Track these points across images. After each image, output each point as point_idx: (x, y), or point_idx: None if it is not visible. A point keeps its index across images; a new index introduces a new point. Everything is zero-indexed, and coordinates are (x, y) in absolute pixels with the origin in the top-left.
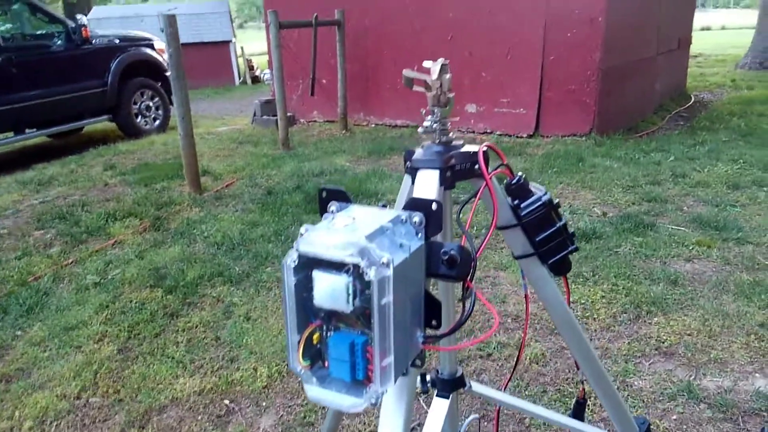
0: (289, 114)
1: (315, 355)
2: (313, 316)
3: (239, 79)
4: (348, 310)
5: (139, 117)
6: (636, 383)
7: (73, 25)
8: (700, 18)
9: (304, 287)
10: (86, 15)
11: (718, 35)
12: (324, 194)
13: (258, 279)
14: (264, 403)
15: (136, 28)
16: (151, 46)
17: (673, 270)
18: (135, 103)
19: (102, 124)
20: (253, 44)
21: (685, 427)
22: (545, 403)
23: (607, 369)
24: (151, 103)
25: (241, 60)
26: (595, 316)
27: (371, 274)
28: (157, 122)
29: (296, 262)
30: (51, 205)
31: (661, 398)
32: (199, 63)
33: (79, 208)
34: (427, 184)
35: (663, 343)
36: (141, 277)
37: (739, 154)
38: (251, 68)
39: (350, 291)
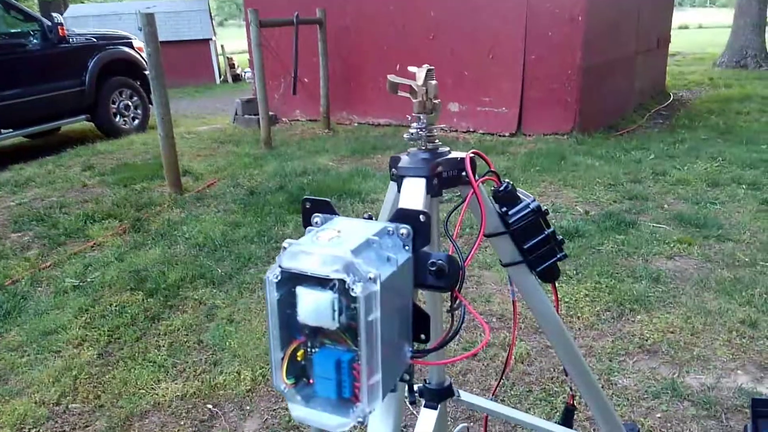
0: (270, 113)
1: (299, 372)
2: (297, 332)
3: (220, 77)
4: (333, 327)
5: (118, 116)
6: (620, 381)
7: (49, 24)
8: (677, 16)
9: (288, 303)
10: (62, 13)
11: (695, 34)
12: (308, 205)
13: (241, 281)
14: (248, 407)
15: (114, 27)
16: (130, 45)
17: (654, 268)
18: (113, 103)
19: (80, 123)
20: (233, 42)
21: (669, 425)
22: (531, 402)
23: (591, 368)
24: (130, 103)
25: (221, 58)
26: (579, 314)
27: (358, 291)
28: (137, 121)
29: (279, 278)
30: (28, 207)
31: (645, 396)
32: (178, 61)
33: (57, 210)
34: (414, 193)
35: (646, 341)
36: (121, 279)
37: (718, 151)
38: (232, 66)
39: (335, 307)
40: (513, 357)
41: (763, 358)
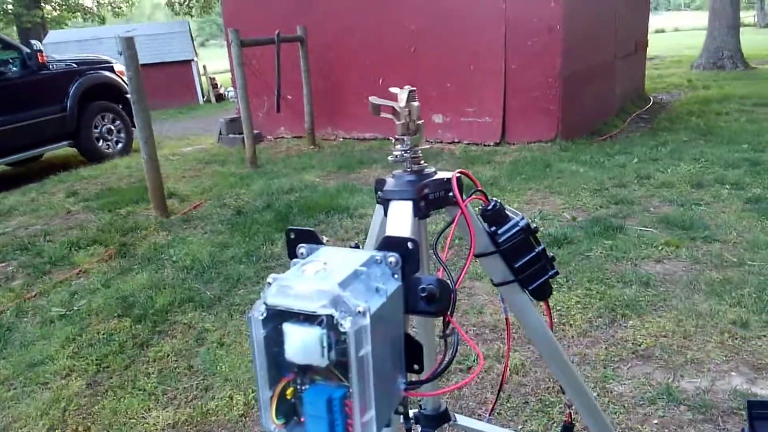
0: (255, 131)
1: (289, 411)
2: (286, 369)
3: (203, 97)
4: (323, 364)
5: (101, 141)
6: (616, 389)
7: (29, 51)
8: (654, 21)
9: (275, 341)
10: (42, 40)
11: (672, 37)
12: (292, 235)
13: (230, 302)
14: None
15: (95, 51)
16: (111, 69)
17: (644, 272)
18: (96, 127)
19: (63, 149)
20: (215, 62)
21: (666, 431)
22: (528, 414)
23: (586, 376)
24: (112, 126)
25: (204, 78)
26: (572, 322)
27: (347, 326)
28: (120, 145)
29: (264, 315)
30: (11, 237)
31: (641, 403)
32: (161, 83)
33: (41, 238)
34: (401, 217)
35: (639, 346)
36: (108, 306)
37: (700, 153)
38: (215, 86)
39: (324, 344)
40: (508, 368)
41: (755, 359)
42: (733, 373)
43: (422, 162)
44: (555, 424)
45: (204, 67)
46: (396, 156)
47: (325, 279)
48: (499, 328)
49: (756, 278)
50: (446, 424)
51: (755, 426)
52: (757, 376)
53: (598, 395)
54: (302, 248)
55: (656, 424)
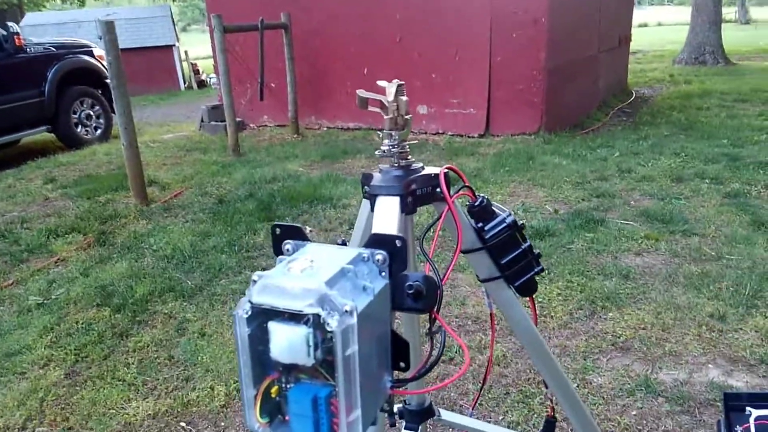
0: (238, 119)
1: (274, 409)
2: (270, 368)
3: (184, 83)
4: (309, 363)
5: (80, 126)
6: (595, 380)
7: (5, 34)
8: (637, 15)
9: (259, 339)
10: (19, 22)
11: (655, 31)
12: (278, 231)
13: (212, 292)
14: (223, 424)
15: (74, 35)
16: (90, 53)
17: (624, 264)
18: (75, 113)
19: (40, 135)
20: (197, 48)
21: (644, 422)
22: (508, 405)
23: (566, 367)
24: (91, 112)
25: (185, 64)
26: (553, 314)
27: (333, 325)
28: (99, 131)
29: (249, 313)
30: None
31: (620, 394)
32: (141, 68)
33: (18, 225)
34: (388, 213)
35: (619, 338)
36: (87, 295)
37: (680, 147)
38: (196, 72)
39: (311, 343)
40: (491, 363)
41: (732, 351)
42: (710, 366)
43: (410, 157)
44: (536, 415)
45: (186, 52)
46: (383, 151)
47: (312, 277)
48: (481, 320)
49: (733, 272)
50: (430, 419)
51: (731, 417)
52: (733, 369)
53: (577, 386)
54: (288, 244)
55: (635, 415)
